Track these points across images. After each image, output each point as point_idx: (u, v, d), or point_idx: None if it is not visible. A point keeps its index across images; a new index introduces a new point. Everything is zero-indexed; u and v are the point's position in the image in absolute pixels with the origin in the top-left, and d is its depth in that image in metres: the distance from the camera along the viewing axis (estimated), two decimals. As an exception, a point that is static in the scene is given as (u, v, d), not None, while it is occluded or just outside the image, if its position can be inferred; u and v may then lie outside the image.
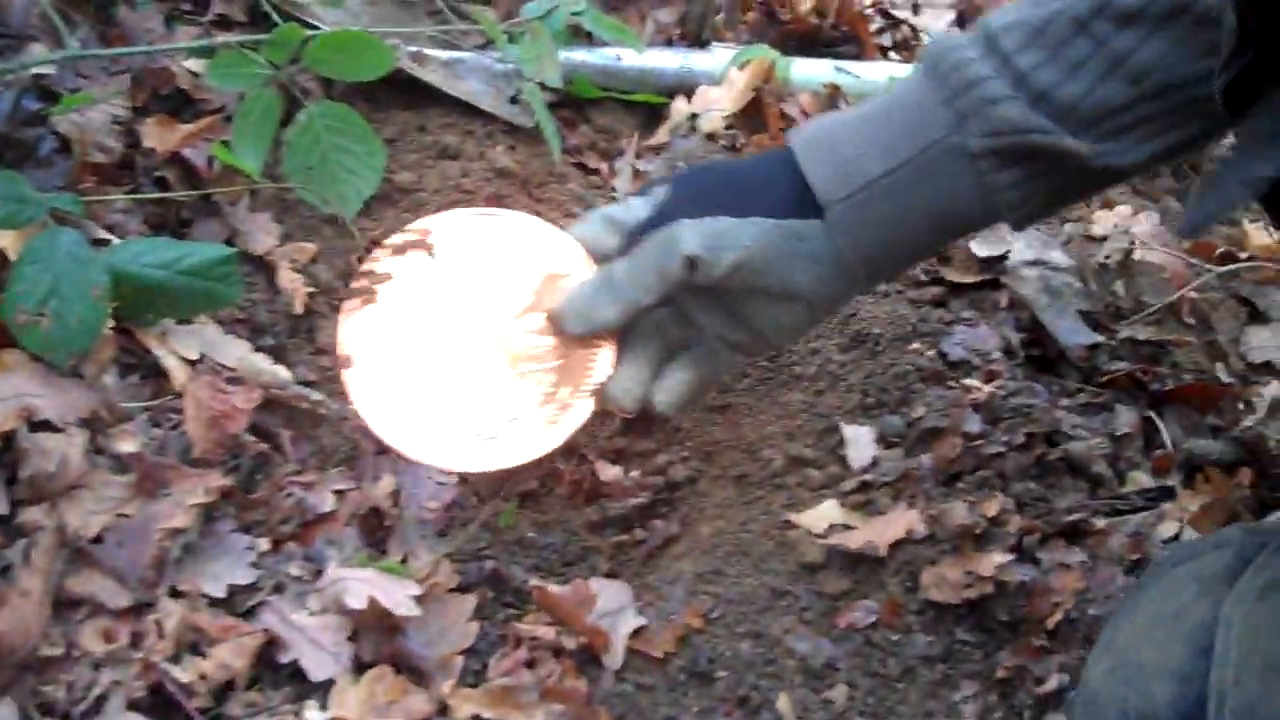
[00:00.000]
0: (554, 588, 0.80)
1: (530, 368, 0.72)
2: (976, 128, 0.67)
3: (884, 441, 0.95)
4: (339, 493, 0.83)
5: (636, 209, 0.71)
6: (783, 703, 0.78)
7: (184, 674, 0.70)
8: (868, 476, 0.93)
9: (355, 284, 0.71)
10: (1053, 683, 0.81)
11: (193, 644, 0.73)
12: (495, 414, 0.70)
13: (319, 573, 0.78)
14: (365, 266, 0.72)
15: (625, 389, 0.70)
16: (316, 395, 0.87)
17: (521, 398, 0.70)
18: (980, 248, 1.08)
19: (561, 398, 0.70)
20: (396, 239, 0.72)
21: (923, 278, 1.08)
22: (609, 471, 0.97)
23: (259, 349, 0.87)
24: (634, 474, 0.98)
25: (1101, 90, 0.67)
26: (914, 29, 1.27)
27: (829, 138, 0.71)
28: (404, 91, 1.04)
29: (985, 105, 0.68)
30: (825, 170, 0.70)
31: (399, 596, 0.75)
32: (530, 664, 0.76)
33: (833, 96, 1.16)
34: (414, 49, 1.05)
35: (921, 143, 0.69)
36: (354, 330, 0.70)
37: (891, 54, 1.25)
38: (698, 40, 1.18)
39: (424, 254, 0.73)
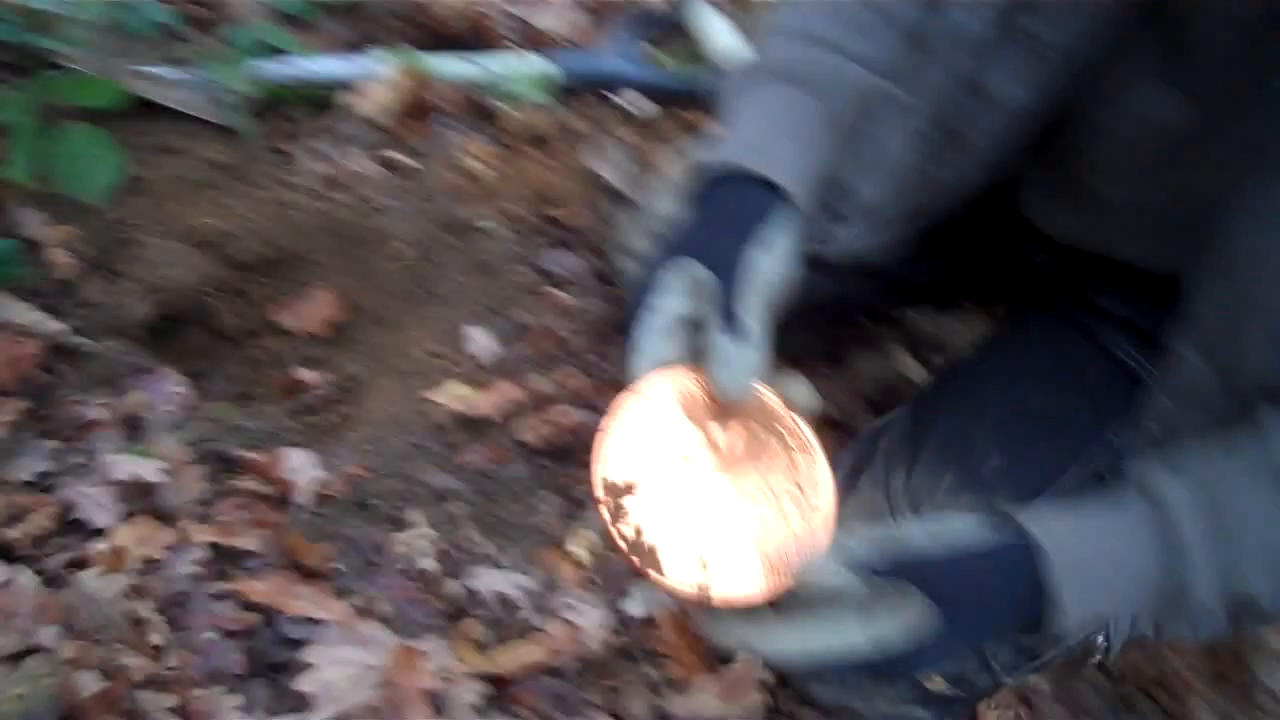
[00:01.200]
0: (258, 455, 1.19)
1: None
2: None
3: (494, 337, 1.37)
4: (104, 404, 1.20)
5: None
6: (417, 516, 1.20)
7: (14, 532, 1.07)
8: (483, 363, 1.35)
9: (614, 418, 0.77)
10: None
11: (16, 513, 1.09)
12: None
13: (94, 459, 1.15)
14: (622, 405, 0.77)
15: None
16: (81, 339, 1.23)
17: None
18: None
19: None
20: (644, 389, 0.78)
21: (532, 217, 1.50)
22: (302, 373, 1.36)
23: (41, 308, 1.22)
24: (322, 374, 1.37)
25: None
26: (526, 22, 1.66)
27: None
28: (140, 106, 1.38)
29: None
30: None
31: (150, 470, 1.13)
32: (244, 507, 1.15)
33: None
34: (145, 69, 1.39)
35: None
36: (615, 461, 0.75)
37: (508, 44, 1.64)
38: (365, 48, 1.55)
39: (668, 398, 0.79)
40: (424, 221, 1.41)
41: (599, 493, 0.75)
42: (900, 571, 0.74)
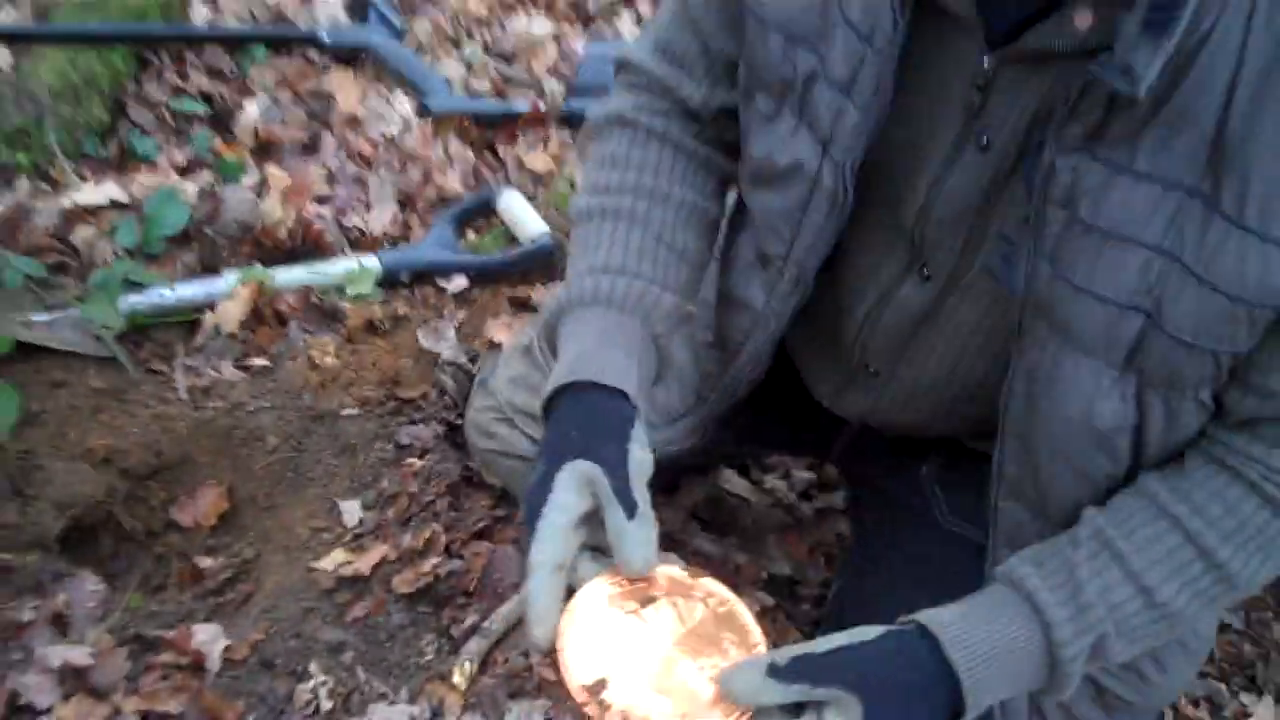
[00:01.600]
0: (172, 634, 1.39)
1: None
2: None
3: (365, 507, 1.60)
4: (34, 607, 1.38)
5: None
6: (315, 668, 1.40)
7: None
8: (357, 530, 1.57)
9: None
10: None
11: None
12: None
13: (32, 653, 1.34)
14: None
15: None
16: (5, 555, 1.41)
17: None
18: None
19: None
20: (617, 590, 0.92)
21: (383, 398, 1.73)
22: (205, 561, 1.56)
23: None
24: (220, 559, 1.58)
25: None
26: (353, 227, 1.91)
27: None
28: (26, 349, 1.58)
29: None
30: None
31: (81, 656, 1.32)
32: (165, 678, 1.35)
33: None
34: (26, 318, 1.59)
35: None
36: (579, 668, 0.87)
37: (347, 250, 1.88)
38: (214, 270, 1.78)
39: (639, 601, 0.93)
40: (290, 414, 1.63)
41: (580, 698, 0.86)
42: (816, 667, 0.90)
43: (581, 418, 1.01)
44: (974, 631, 0.97)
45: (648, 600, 0.94)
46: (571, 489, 0.93)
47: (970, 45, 0.93)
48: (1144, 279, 0.91)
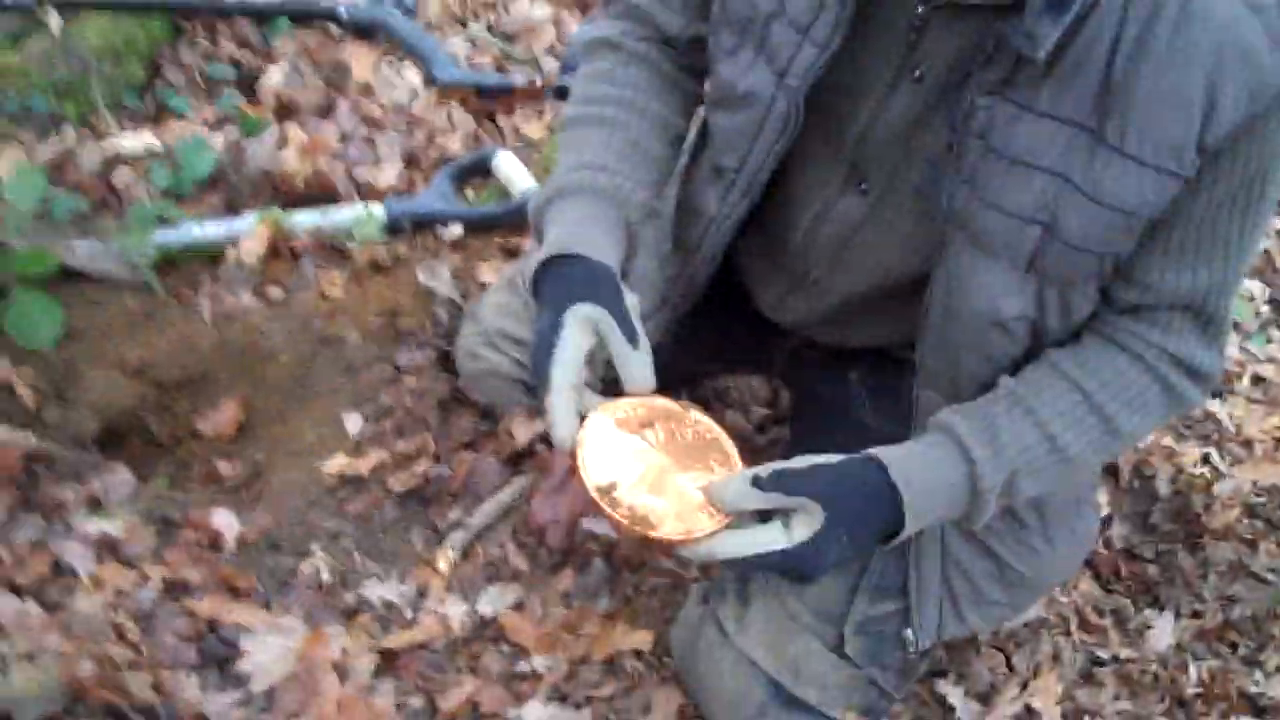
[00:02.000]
0: (193, 515, 1.60)
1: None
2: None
3: (365, 419, 1.80)
4: (72, 491, 1.59)
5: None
6: (317, 550, 1.60)
7: (20, 577, 1.45)
8: (358, 438, 1.77)
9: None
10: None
11: (20, 563, 1.47)
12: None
13: (71, 526, 1.54)
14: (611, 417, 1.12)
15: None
16: (50, 445, 1.62)
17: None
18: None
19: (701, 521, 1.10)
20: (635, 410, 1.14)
21: (383, 326, 1.93)
22: (223, 464, 1.77)
23: (17, 427, 1.62)
24: (236, 462, 1.78)
25: None
26: (363, 179, 2.12)
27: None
28: (69, 274, 1.79)
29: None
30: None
31: (113, 528, 1.53)
32: (186, 552, 1.55)
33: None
34: (70, 243, 1.80)
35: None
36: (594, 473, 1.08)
37: (356, 198, 2.09)
38: (237, 211, 1.99)
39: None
40: (300, 338, 1.84)
41: (595, 496, 1.08)
42: (789, 480, 1.12)
43: (577, 275, 1.19)
44: (912, 462, 1.18)
45: (646, 424, 1.15)
46: (579, 327, 1.13)
47: None
48: (1043, 197, 1.12)
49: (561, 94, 2.37)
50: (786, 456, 1.19)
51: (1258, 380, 2.55)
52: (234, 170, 1.99)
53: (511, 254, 2.04)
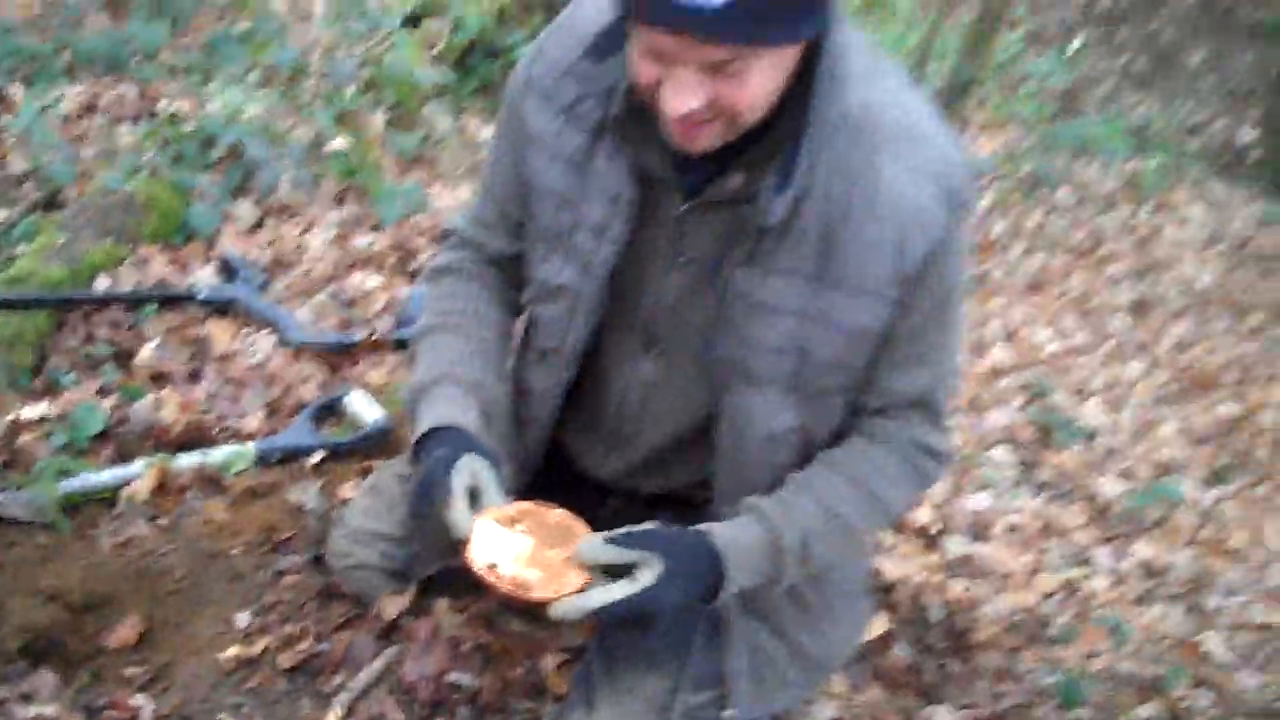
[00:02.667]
0: (114, 697, 1.87)
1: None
2: None
3: (253, 615, 2.10)
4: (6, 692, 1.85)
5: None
6: (223, 718, 1.89)
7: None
8: (248, 630, 2.07)
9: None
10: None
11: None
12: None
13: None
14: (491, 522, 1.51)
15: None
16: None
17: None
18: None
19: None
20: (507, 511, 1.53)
21: (263, 540, 2.25)
22: (130, 670, 2.04)
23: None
24: (144, 667, 2.05)
25: None
26: (234, 425, 2.48)
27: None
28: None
29: None
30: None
31: (49, 711, 1.79)
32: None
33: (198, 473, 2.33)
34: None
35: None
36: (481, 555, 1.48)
37: (230, 443, 2.44)
38: (127, 459, 2.32)
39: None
40: (190, 556, 2.15)
41: (483, 574, 1.47)
42: (636, 538, 1.51)
43: (457, 440, 1.59)
44: (729, 531, 1.59)
45: (517, 520, 1.55)
46: (463, 470, 1.54)
47: (673, 197, 1.58)
48: (792, 332, 1.57)
49: (400, 345, 2.80)
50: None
51: (1012, 528, 3.03)
52: (120, 426, 2.34)
53: (367, 473, 2.41)
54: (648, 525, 1.59)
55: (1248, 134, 8.64)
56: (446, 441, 1.60)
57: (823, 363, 1.60)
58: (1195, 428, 3.97)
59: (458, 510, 1.52)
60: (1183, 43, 10.05)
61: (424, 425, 1.64)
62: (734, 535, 1.60)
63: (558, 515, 1.59)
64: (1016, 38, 8.65)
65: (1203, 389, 4.32)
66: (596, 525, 2.15)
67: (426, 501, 1.55)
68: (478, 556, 1.49)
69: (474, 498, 1.56)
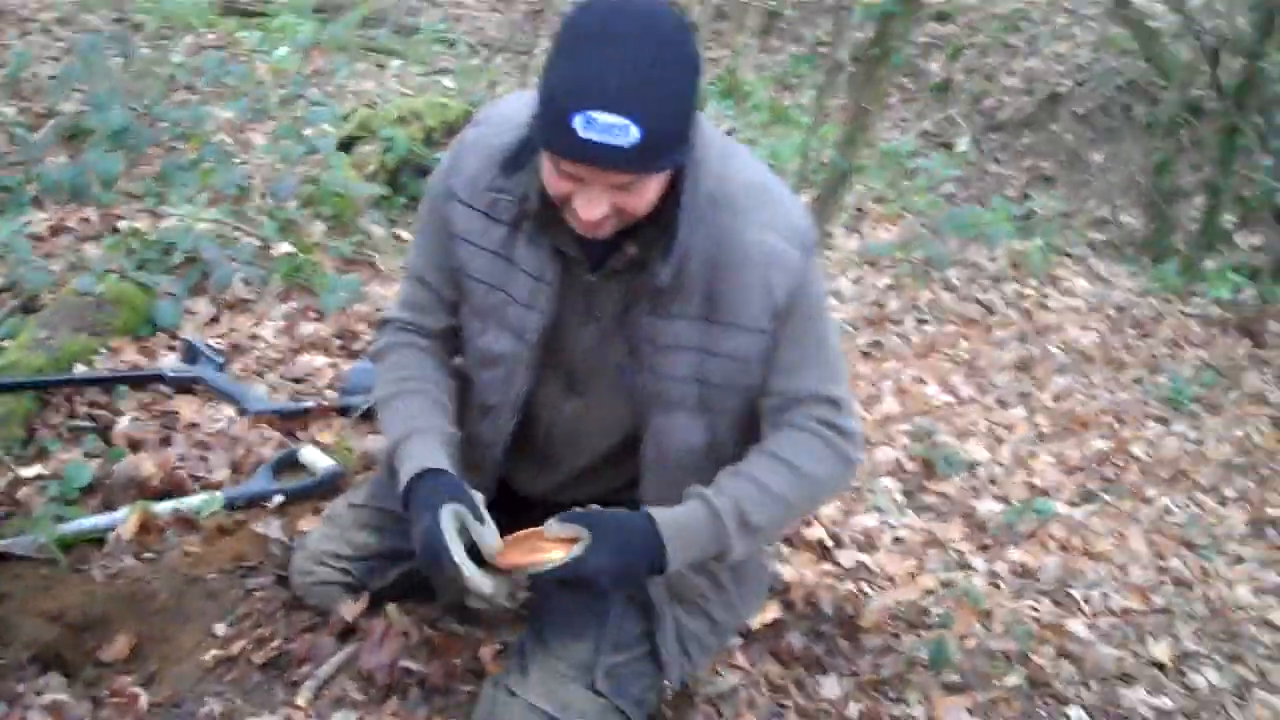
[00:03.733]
0: (114, 686, 2.20)
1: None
2: None
3: (228, 625, 2.44)
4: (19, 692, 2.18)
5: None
6: (209, 704, 2.22)
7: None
8: (225, 637, 2.41)
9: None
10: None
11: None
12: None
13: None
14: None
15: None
16: (-3, 671, 2.21)
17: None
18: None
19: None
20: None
21: (234, 567, 2.60)
22: (123, 679, 2.37)
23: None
24: (135, 675, 2.38)
25: None
26: (202, 475, 2.84)
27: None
28: (-12, 559, 2.42)
29: None
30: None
31: (63, 698, 2.12)
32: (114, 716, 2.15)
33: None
34: (-11, 540, 2.44)
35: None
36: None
37: (201, 493, 2.79)
38: (113, 508, 2.67)
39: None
40: (171, 582, 2.49)
41: (501, 564, 1.86)
42: (573, 515, 1.86)
43: (440, 484, 1.92)
44: (669, 512, 1.91)
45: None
46: (451, 518, 1.86)
47: (583, 269, 1.96)
48: (693, 364, 1.96)
49: (345, 412, 3.18)
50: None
51: (897, 540, 3.42)
52: (107, 480, 2.69)
53: (320, 510, 2.77)
54: (592, 508, 1.94)
55: (1132, 217, 9.30)
56: (429, 486, 1.93)
57: (721, 386, 2.00)
58: (1069, 460, 4.41)
59: (462, 558, 1.87)
60: (1085, 142, 10.79)
61: (406, 474, 1.98)
62: (672, 514, 1.94)
63: (531, 534, 1.95)
64: (909, 139, 9.30)
65: (1078, 429, 4.76)
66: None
67: (437, 566, 1.90)
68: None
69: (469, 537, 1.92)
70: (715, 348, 1.96)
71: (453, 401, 2.16)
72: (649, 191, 1.76)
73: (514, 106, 2.01)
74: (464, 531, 1.90)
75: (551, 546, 1.88)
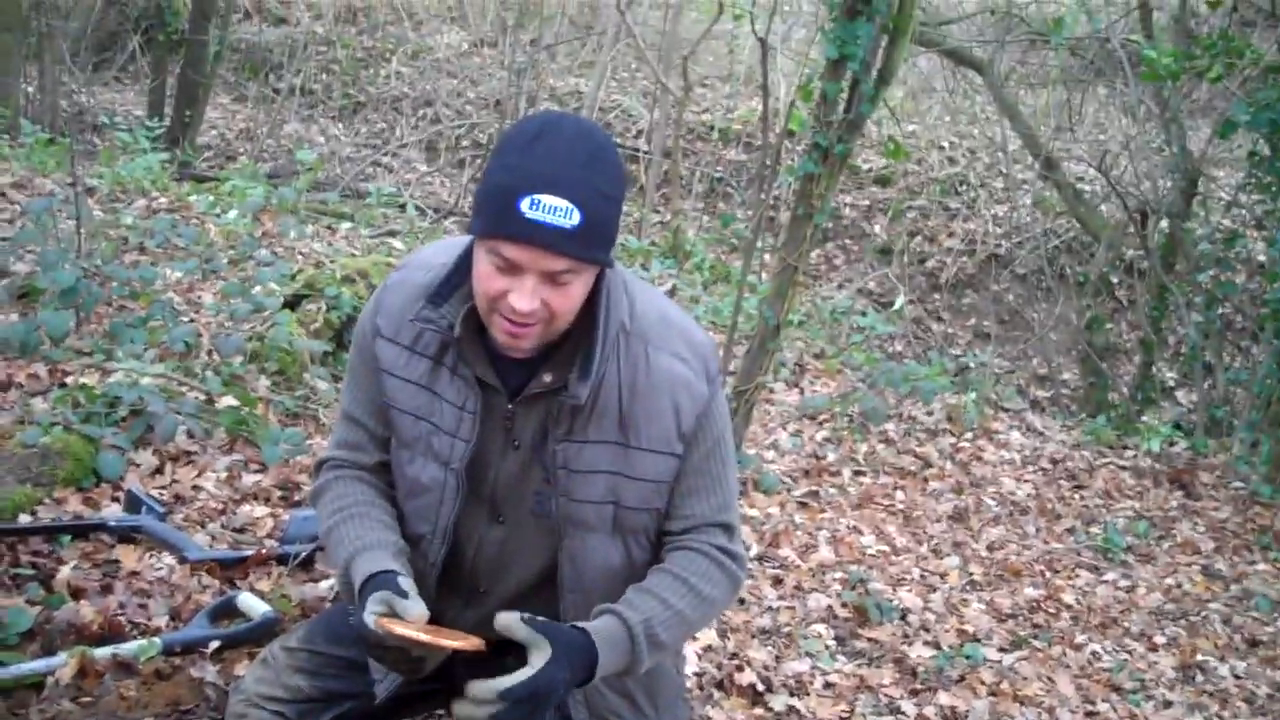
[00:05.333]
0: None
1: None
2: None
3: (163, 767, 2.46)
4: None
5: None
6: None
7: None
8: (159, 780, 2.43)
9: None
10: None
11: None
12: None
13: None
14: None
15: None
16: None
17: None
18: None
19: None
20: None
21: (170, 711, 2.62)
22: None
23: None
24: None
25: None
26: (141, 621, 2.88)
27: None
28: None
29: None
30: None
31: None
32: None
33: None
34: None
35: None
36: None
37: (137, 635, 2.83)
38: (52, 652, 2.70)
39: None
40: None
41: (403, 631, 1.82)
42: (537, 622, 1.86)
43: (380, 580, 1.95)
44: (592, 625, 1.96)
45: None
46: (376, 604, 1.88)
47: (503, 397, 2.07)
48: (607, 487, 2.05)
49: (284, 560, 3.25)
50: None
51: (828, 685, 3.48)
52: (46, 624, 2.74)
53: (254, 655, 2.81)
54: (539, 617, 1.97)
55: (1071, 373, 9.57)
56: (368, 590, 1.98)
57: (633, 507, 2.11)
58: (1001, 607, 4.51)
59: (371, 624, 1.89)
60: (1025, 301, 11.15)
61: (358, 583, 2.03)
62: (597, 627, 2.01)
63: (451, 630, 2.00)
64: (846, 296, 9.58)
65: (1010, 577, 4.87)
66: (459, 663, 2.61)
67: (368, 646, 1.95)
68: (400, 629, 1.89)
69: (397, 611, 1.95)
70: (630, 471, 2.07)
71: (395, 523, 2.23)
72: (576, 291, 1.91)
73: (433, 250, 2.17)
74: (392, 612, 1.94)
75: (457, 638, 1.93)
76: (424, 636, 1.86)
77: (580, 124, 1.90)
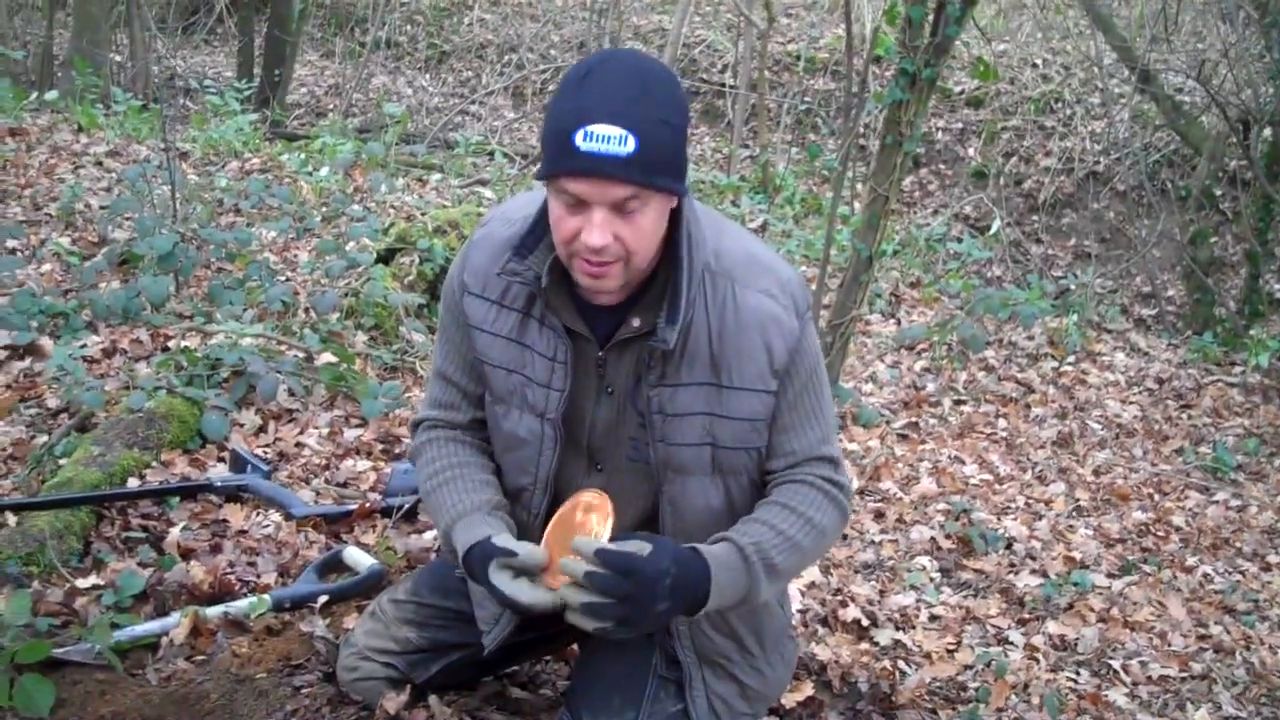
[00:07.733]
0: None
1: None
2: None
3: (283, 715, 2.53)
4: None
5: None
6: (259, 793, 2.30)
7: None
8: (275, 733, 2.50)
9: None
10: None
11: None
12: None
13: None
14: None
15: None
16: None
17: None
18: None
19: None
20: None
21: (281, 666, 2.69)
22: None
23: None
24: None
25: None
26: (252, 578, 2.94)
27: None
28: (56, 662, 2.53)
29: None
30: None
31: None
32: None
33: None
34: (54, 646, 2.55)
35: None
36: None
37: (249, 593, 2.90)
38: (165, 613, 2.78)
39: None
40: (222, 682, 2.58)
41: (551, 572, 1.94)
42: (634, 535, 1.96)
43: (481, 553, 2.01)
44: (707, 549, 2.02)
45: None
46: (497, 570, 1.98)
47: (593, 345, 2.11)
48: (703, 428, 2.08)
49: (387, 513, 3.29)
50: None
51: (934, 617, 3.47)
52: (159, 587, 2.81)
53: (362, 609, 2.86)
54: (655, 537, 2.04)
55: (1171, 289, 9.32)
56: (475, 559, 2.05)
57: (731, 447, 2.10)
58: (1109, 533, 4.43)
59: (521, 596, 1.97)
60: (1128, 217, 10.87)
61: (462, 550, 2.09)
62: (709, 549, 2.04)
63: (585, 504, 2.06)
64: (941, 222, 9.41)
65: (1118, 502, 4.78)
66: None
67: (517, 609, 2.02)
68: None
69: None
70: (725, 410, 2.07)
71: (497, 480, 2.27)
72: (646, 222, 1.90)
73: (515, 204, 2.19)
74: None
75: (582, 521, 1.99)
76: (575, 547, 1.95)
77: (634, 56, 1.90)
